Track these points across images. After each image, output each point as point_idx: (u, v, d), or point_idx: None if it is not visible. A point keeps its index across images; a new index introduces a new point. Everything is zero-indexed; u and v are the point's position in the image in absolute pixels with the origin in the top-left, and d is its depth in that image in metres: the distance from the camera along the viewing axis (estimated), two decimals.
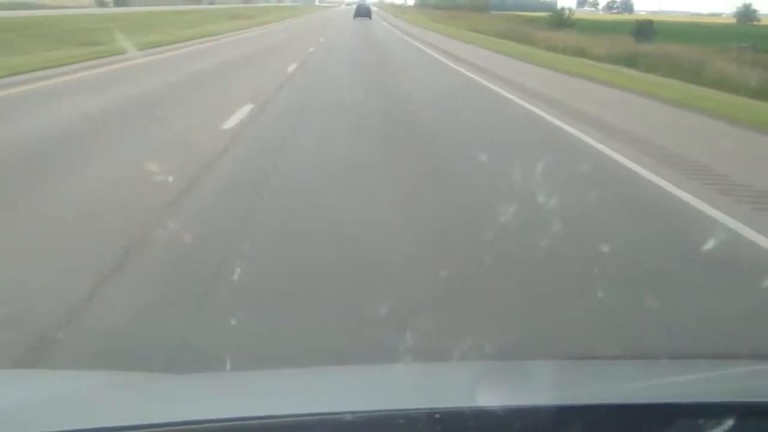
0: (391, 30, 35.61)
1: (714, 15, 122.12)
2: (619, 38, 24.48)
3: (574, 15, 44.29)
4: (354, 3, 65.98)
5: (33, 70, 11.55)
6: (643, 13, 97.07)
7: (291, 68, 13.26)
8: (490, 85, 12.40)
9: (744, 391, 1.34)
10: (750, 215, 4.72)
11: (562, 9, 46.85)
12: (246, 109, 8.07)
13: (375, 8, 66.12)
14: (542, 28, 34.49)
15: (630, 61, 18.37)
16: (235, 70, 13.67)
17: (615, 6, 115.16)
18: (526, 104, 10.05)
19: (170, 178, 4.71)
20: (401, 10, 71.45)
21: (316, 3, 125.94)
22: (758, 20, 79.69)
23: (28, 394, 1.38)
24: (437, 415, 1.11)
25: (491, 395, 1.17)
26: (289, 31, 29.88)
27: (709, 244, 3.92)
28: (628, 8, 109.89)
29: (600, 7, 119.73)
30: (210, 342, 2.60)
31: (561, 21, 39.58)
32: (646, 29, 30.30)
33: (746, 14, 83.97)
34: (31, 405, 1.27)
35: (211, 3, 63.44)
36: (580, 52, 21.50)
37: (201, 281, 3.15)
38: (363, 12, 48.30)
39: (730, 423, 1.10)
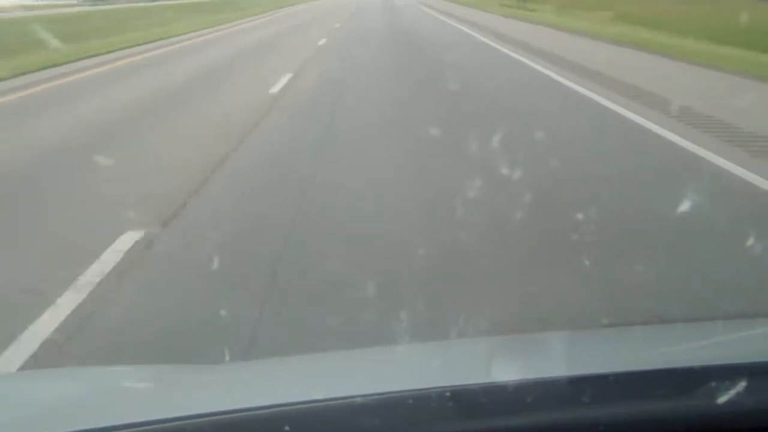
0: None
1: None
2: None
3: None
4: None
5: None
6: None
7: None
8: None
9: (761, 353, 1.45)
10: None
11: None
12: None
13: None
14: None
15: None
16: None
17: None
18: None
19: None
20: None
21: None
22: None
23: (65, 391, 1.59)
24: (447, 394, 1.17)
25: (501, 370, 1.25)
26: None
27: None
28: None
29: None
30: None
31: None
32: None
33: None
34: (71, 401, 1.47)
35: None
36: None
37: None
38: None
39: (743, 385, 1.15)
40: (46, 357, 3.07)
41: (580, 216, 4.55)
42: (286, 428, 1.11)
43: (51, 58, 15.32)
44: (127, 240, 4.30)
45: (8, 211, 5.21)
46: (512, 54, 15.91)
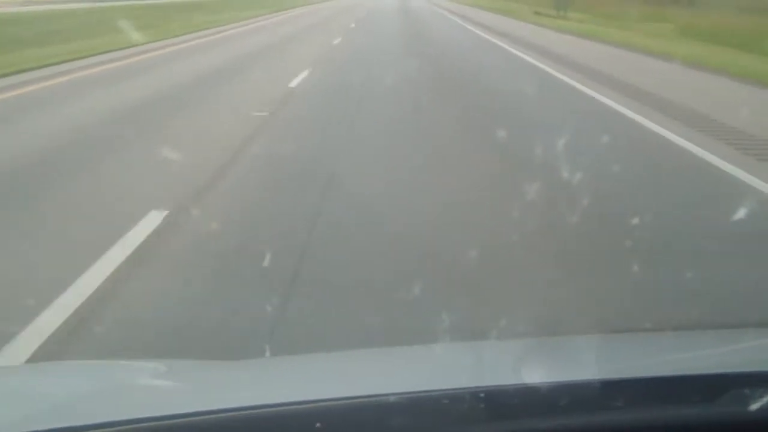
0: None
1: None
2: None
3: None
4: None
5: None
6: None
7: None
8: None
9: None
10: None
11: None
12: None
13: None
14: None
15: None
16: None
17: None
18: None
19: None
20: None
21: None
22: None
23: (79, 385, 1.57)
24: (481, 394, 1.18)
25: (535, 372, 1.26)
26: None
27: None
28: None
29: None
30: None
31: None
32: None
33: None
34: (85, 396, 1.46)
35: None
36: None
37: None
38: None
39: None
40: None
41: None
42: (318, 425, 1.10)
43: None
44: None
45: None
46: (592, 93, 11.12)
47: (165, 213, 4.65)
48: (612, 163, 6.38)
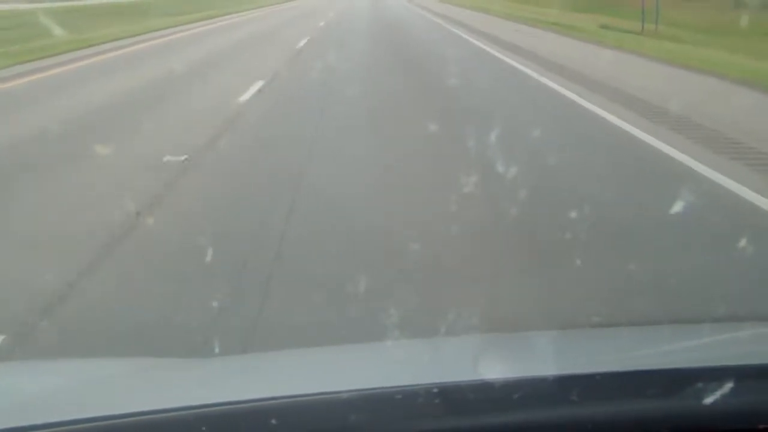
0: None
1: None
2: None
3: None
4: None
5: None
6: None
7: None
8: None
9: (747, 356, 1.46)
10: None
11: None
12: None
13: None
14: None
15: None
16: None
17: None
18: None
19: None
20: None
21: None
22: None
23: (52, 382, 1.60)
24: (435, 390, 1.19)
25: (489, 368, 1.26)
26: None
27: None
28: None
29: None
30: None
31: None
32: None
33: None
34: (56, 392, 1.47)
35: None
36: None
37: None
38: None
39: (729, 386, 1.16)
40: None
41: None
42: (273, 421, 1.10)
43: None
44: None
45: None
46: None
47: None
48: None
